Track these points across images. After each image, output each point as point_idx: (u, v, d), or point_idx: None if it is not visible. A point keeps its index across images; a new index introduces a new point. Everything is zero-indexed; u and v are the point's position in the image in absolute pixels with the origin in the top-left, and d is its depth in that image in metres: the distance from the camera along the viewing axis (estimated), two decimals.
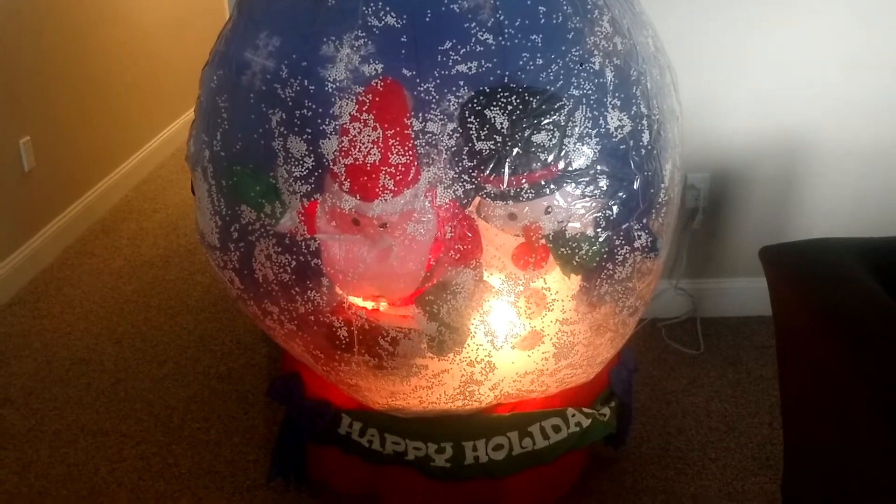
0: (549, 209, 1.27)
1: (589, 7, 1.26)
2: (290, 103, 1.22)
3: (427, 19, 1.20)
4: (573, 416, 1.51)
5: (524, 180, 1.23)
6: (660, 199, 1.34)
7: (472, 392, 1.41)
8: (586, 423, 1.51)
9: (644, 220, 1.32)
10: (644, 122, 1.29)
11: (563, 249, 1.28)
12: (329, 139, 1.20)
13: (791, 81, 2.07)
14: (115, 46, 3.34)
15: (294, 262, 1.28)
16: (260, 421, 1.91)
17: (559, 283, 1.33)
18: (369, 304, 1.39)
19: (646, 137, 1.29)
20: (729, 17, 2.00)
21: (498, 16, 1.20)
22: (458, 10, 1.20)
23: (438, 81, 1.18)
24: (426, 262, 1.30)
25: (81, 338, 2.29)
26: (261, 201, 1.28)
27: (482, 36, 1.19)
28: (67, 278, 2.65)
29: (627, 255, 1.31)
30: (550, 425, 1.49)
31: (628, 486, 1.69)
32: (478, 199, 1.28)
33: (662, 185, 1.34)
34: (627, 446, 1.76)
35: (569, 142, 1.22)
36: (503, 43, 1.19)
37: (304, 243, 1.26)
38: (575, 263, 1.29)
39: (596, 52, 1.24)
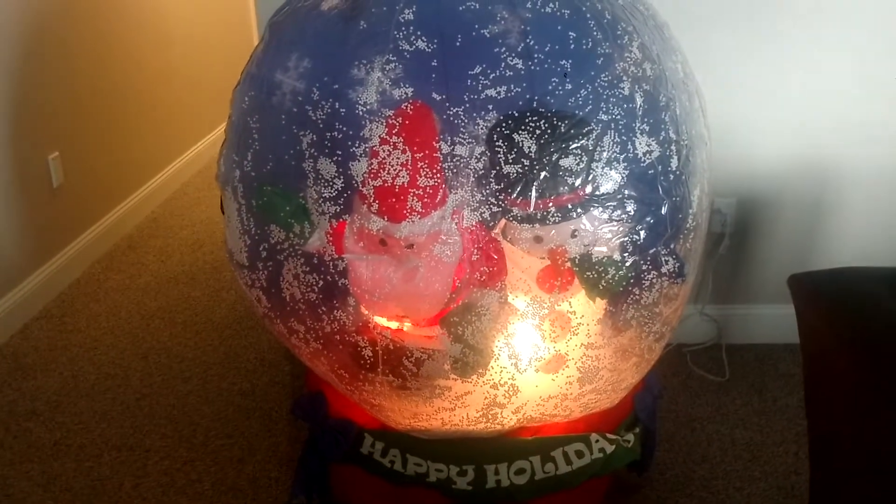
0: (576, 233, 1.27)
1: (619, 33, 1.27)
2: (321, 125, 1.23)
3: (457, 44, 1.21)
4: (597, 441, 1.50)
5: (551, 203, 1.23)
6: (688, 225, 1.34)
7: (495, 415, 1.40)
8: (610, 449, 1.50)
9: (671, 246, 1.32)
10: (672, 147, 1.29)
11: (588, 273, 1.28)
12: (358, 161, 1.21)
13: (820, 108, 2.06)
14: (145, 63, 3.40)
15: (321, 282, 1.29)
16: (283, 438, 1.91)
17: (584, 307, 1.33)
18: (394, 324, 1.40)
19: (674, 163, 1.29)
20: (759, 43, 2.00)
21: (528, 41, 1.21)
22: (488, 35, 1.21)
23: (467, 105, 1.19)
24: (451, 283, 1.31)
25: (107, 353, 2.31)
26: (290, 221, 1.30)
27: (512, 61, 1.20)
28: (94, 293, 2.68)
29: (654, 281, 1.31)
30: (573, 450, 1.49)
31: None
32: (503, 221, 1.28)
33: (690, 211, 1.34)
34: (651, 473, 1.74)
35: (596, 166, 1.22)
36: (532, 68, 1.20)
37: (331, 263, 1.27)
38: (601, 287, 1.29)
39: (625, 78, 1.24)
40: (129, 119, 3.27)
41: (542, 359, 1.36)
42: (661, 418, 1.80)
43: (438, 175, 1.20)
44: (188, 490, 1.76)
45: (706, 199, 1.43)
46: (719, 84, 2.00)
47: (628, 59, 1.26)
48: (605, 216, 1.25)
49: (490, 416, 1.40)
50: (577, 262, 1.28)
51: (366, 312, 1.33)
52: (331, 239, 1.28)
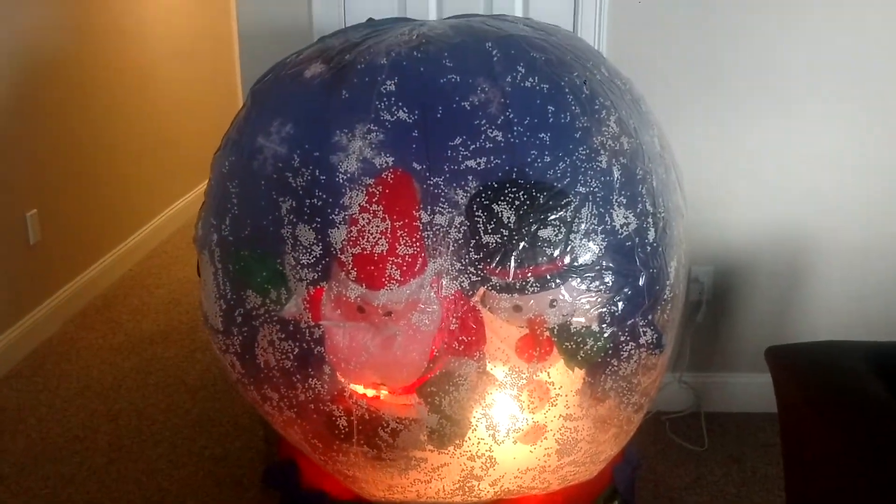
0: (554, 302, 1.27)
1: (596, 108, 1.29)
2: (301, 192, 1.23)
3: (438, 115, 1.22)
4: None
5: (530, 273, 1.23)
6: (665, 296, 1.35)
7: (472, 487, 1.38)
8: None
9: (649, 317, 1.32)
10: (649, 219, 1.30)
11: (567, 343, 1.28)
12: (338, 228, 1.21)
13: (795, 179, 2.10)
14: (127, 122, 3.42)
15: (297, 349, 1.27)
16: None
17: (563, 378, 1.32)
18: (370, 392, 1.38)
19: (651, 235, 1.30)
20: (734, 116, 2.05)
21: (507, 114, 1.22)
22: (468, 108, 1.22)
23: (448, 175, 1.20)
24: (429, 351, 1.30)
25: (77, 414, 2.26)
26: (267, 287, 1.29)
27: (492, 133, 1.21)
28: (66, 352, 2.64)
29: (632, 351, 1.31)
30: None
31: None
32: (483, 290, 1.28)
33: (668, 282, 1.34)
34: None
35: (575, 237, 1.23)
36: (512, 140, 1.22)
37: (307, 330, 1.26)
38: (579, 358, 1.29)
39: (602, 151, 1.26)
40: (109, 176, 3.26)
41: (521, 430, 1.34)
42: (639, 488, 1.78)
43: (418, 244, 1.20)
44: None
45: (683, 269, 1.44)
46: (696, 155, 2.04)
47: (606, 133, 1.28)
48: (584, 287, 1.25)
49: (467, 489, 1.38)
50: (555, 331, 1.28)
51: (342, 380, 1.31)
52: (307, 305, 1.27)
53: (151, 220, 3.67)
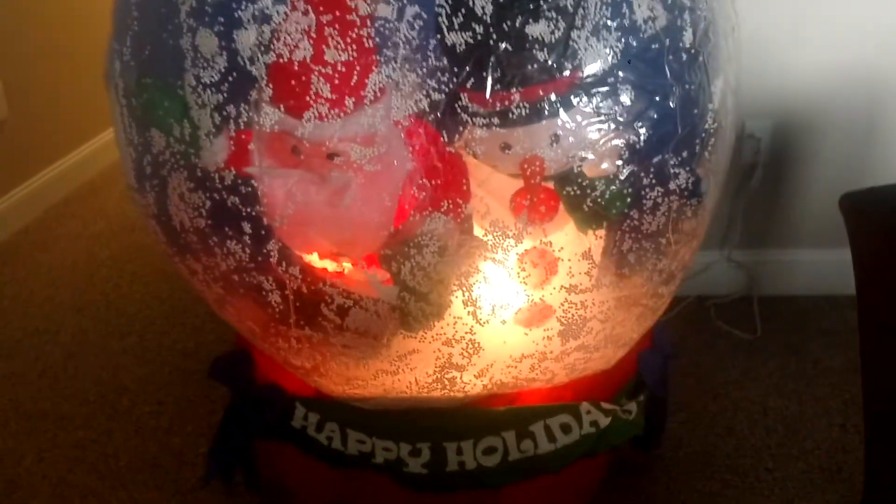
0: (556, 137, 0.93)
1: None
2: None
3: None
4: (588, 412, 1.17)
5: (516, 93, 0.89)
6: (706, 126, 1.00)
7: (454, 379, 1.08)
8: (605, 421, 1.18)
9: (683, 153, 0.97)
10: (685, 16, 0.94)
11: (571, 189, 0.95)
12: (245, 29, 0.88)
13: (873, 12, 1.68)
14: None
15: (209, 202, 0.97)
16: (220, 406, 1.60)
17: (568, 239, 1.00)
18: (330, 266, 1.08)
19: (687, 37, 0.94)
20: None
21: None
22: None
23: None
24: (396, 204, 0.98)
25: (41, 306, 2.03)
26: (169, 121, 0.97)
27: None
28: (42, 241, 2.39)
29: (660, 200, 0.97)
30: (558, 424, 1.16)
31: (661, 501, 1.36)
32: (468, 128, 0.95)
33: (710, 106, 0.99)
34: (662, 450, 1.42)
35: (578, 35, 0.87)
36: None
37: (216, 175, 0.95)
38: (588, 209, 0.96)
39: None
40: (95, 56, 2.94)
41: (521, 308, 1.04)
42: (676, 383, 1.47)
43: (353, 45, 0.86)
44: (99, 466, 1.47)
45: (732, 97, 1.08)
46: None
47: None
48: (591, 109, 0.91)
49: (447, 381, 1.09)
50: (559, 176, 0.96)
51: (274, 245, 1.00)
52: (233, 146, 0.95)
53: None
